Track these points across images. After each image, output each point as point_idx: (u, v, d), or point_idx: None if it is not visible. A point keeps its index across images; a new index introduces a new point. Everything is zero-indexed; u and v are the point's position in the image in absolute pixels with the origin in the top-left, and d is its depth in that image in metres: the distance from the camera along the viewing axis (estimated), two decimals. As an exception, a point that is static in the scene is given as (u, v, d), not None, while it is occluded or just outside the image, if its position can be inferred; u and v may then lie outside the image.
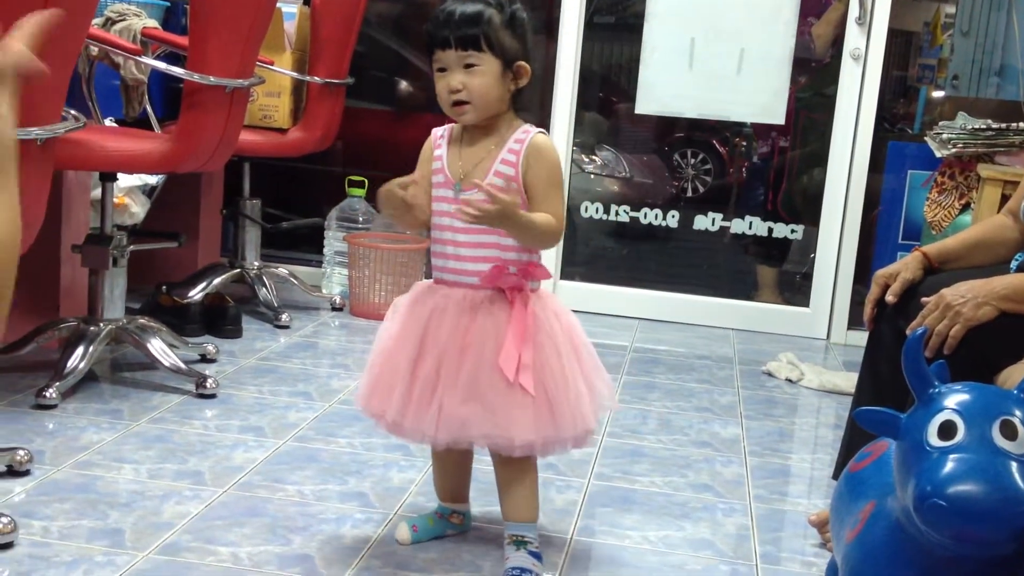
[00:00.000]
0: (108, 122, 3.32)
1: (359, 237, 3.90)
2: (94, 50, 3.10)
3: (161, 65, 3.08)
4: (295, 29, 3.90)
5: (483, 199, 1.82)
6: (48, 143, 2.12)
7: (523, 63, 1.92)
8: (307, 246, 4.44)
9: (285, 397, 2.90)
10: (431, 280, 2.01)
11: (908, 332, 1.99)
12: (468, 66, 1.89)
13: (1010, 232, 2.20)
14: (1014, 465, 1.32)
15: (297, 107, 3.94)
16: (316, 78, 3.81)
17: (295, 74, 3.83)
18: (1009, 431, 1.35)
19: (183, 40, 3.07)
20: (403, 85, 4.92)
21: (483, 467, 2.15)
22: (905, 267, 2.12)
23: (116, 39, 3.09)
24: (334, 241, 4.10)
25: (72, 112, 2.33)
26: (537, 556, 1.96)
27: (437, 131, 2.02)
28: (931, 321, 1.95)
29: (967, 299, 1.92)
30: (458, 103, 1.90)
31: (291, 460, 2.45)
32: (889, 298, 2.12)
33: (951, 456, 1.33)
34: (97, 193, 3.10)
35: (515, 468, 1.96)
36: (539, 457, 2.00)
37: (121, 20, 3.26)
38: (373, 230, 4.02)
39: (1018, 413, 1.37)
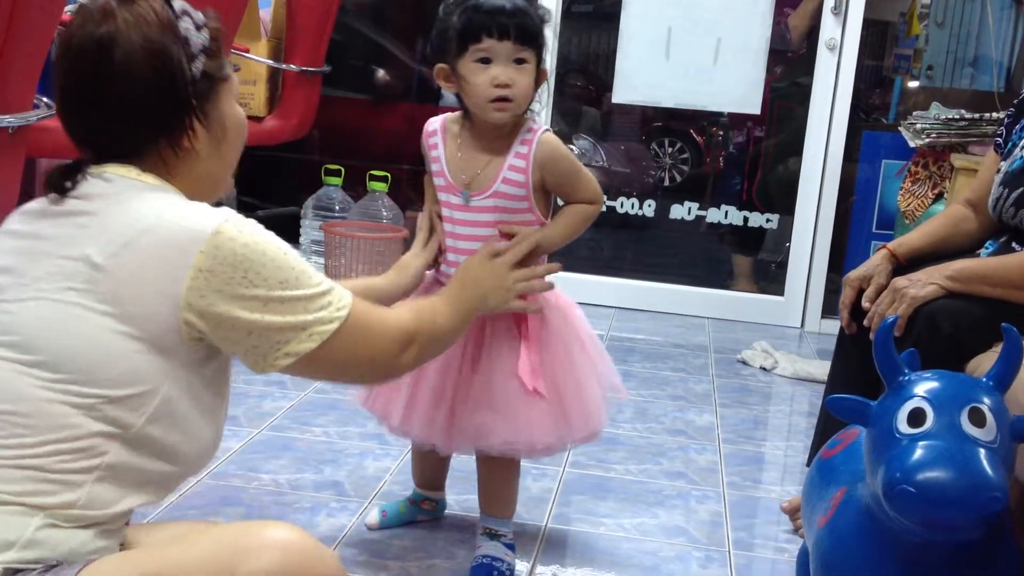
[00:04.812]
0: (81, 109, 3.29)
1: (335, 226, 3.89)
2: (67, 37, 3.07)
3: (135, 52, 3.05)
4: (271, 16, 3.88)
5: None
6: (20, 131, 2.10)
7: (544, 67, 1.83)
8: (283, 235, 4.38)
9: (260, 386, 2.89)
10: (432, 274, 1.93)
11: (866, 324, 2.03)
12: (519, 61, 1.76)
13: (968, 224, 2.23)
14: (982, 452, 1.33)
15: (273, 95, 3.92)
16: (292, 66, 3.80)
17: (271, 62, 3.81)
18: (978, 418, 1.36)
19: (157, 27, 3.04)
20: (380, 73, 4.91)
21: (460, 455, 2.15)
22: (878, 271, 2.13)
23: (89, 26, 3.07)
24: (310, 230, 4.08)
25: (44, 100, 2.31)
26: (510, 547, 1.96)
27: (429, 126, 1.89)
28: (882, 307, 1.99)
29: (913, 281, 1.96)
30: (501, 99, 1.76)
31: (266, 449, 2.45)
32: (866, 304, 2.12)
33: (920, 443, 1.35)
34: (70, 181, 3.07)
35: (501, 468, 1.94)
36: (549, 456, 1.98)
37: (94, 7, 3.24)
38: (349, 219, 4.01)
39: (987, 401, 1.39)
